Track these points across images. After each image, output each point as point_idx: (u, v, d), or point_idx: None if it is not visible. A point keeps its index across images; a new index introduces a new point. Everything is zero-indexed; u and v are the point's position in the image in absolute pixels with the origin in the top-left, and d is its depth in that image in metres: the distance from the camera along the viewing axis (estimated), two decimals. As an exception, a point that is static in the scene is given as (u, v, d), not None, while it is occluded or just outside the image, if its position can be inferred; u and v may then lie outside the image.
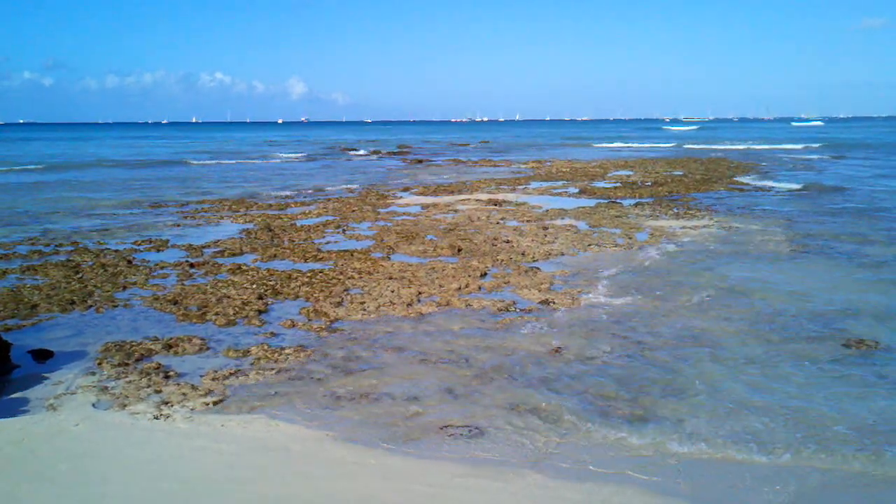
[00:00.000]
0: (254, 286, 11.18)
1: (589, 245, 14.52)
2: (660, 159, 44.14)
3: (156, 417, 6.42)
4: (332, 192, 26.42)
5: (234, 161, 47.71)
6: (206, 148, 68.51)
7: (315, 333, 8.88)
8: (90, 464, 5.54)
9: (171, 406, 6.69)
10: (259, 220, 18.71)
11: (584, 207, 20.59)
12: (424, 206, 21.31)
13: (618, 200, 22.35)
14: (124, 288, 11.27)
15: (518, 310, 9.85)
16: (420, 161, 46.41)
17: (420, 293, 10.66)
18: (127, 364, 7.79)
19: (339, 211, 20.45)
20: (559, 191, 25.85)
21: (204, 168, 41.48)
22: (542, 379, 7.29)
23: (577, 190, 25.86)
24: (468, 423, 6.29)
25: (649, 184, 27.80)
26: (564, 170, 36.25)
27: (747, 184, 27.57)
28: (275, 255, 13.78)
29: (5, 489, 5.17)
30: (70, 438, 5.99)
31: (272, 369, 7.62)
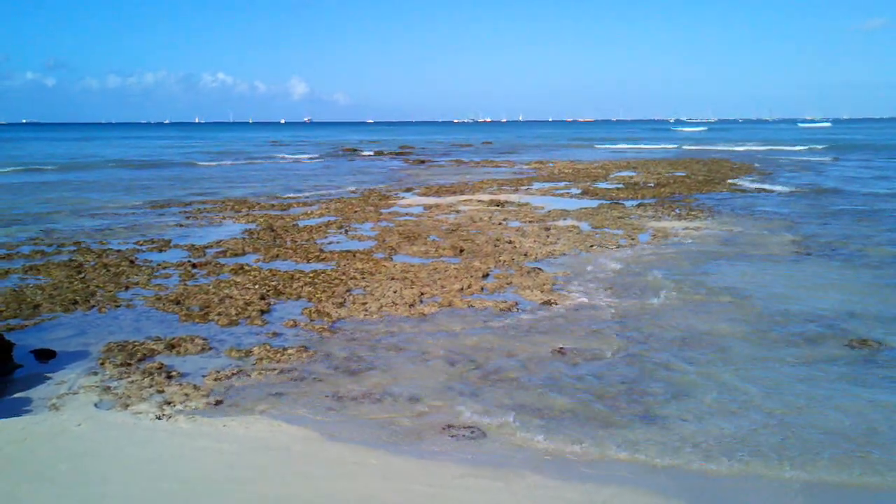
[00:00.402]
0: (256, 286, 11.19)
1: (591, 246, 14.51)
2: (662, 160, 44.12)
3: (158, 417, 6.43)
4: (334, 192, 26.43)
5: (241, 161, 47.73)
6: (212, 148, 68.57)
7: (317, 334, 8.88)
8: (92, 463, 5.55)
9: (174, 406, 6.69)
10: (261, 220, 18.72)
11: (586, 208, 20.59)
12: (427, 207, 21.31)
13: (620, 201, 22.34)
14: (127, 288, 11.28)
15: (520, 310, 9.84)
16: (422, 161, 46.42)
17: (422, 294, 10.66)
18: (129, 364, 7.80)
19: (342, 211, 20.46)
20: (561, 192, 25.84)
21: (210, 169, 41.50)
22: (545, 380, 7.28)
23: (579, 191, 25.85)
24: (470, 423, 6.28)
25: (652, 185, 27.78)
26: (567, 170, 36.24)
27: (748, 186, 27.51)
28: (277, 256, 13.79)
29: (7, 489, 5.18)
30: (72, 438, 5.99)
31: (274, 369, 7.63)
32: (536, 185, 28.38)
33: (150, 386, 7.16)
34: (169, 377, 7.41)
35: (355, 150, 63.64)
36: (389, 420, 6.38)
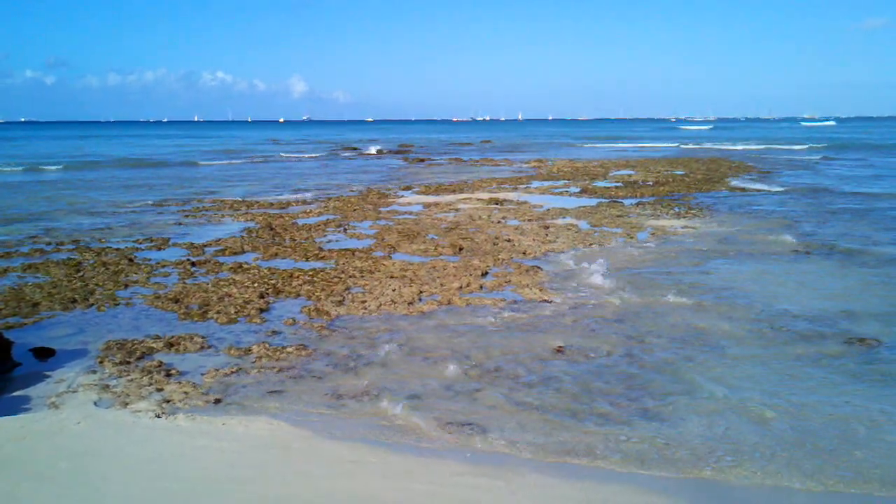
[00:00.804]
0: (255, 285, 11.19)
1: (590, 244, 14.52)
2: (661, 159, 44.13)
3: (157, 416, 6.43)
4: (333, 190, 26.41)
5: (240, 160, 47.66)
6: (211, 147, 68.47)
7: (316, 332, 8.89)
8: (91, 462, 5.55)
9: (173, 404, 6.69)
10: (260, 218, 18.72)
11: (585, 207, 20.59)
12: (426, 205, 21.31)
13: (619, 200, 22.35)
14: (126, 286, 11.28)
15: (519, 309, 9.84)
16: (421, 160, 46.41)
17: (421, 292, 10.67)
18: (128, 362, 7.80)
19: (341, 210, 20.46)
20: (560, 190, 25.84)
21: (209, 168, 41.46)
22: (544, 378, 7.29)
23: (578, 189, 25.86)
24: (469, 421, 6.29)
25: (650, 183, 27.80)
26: (566, 169, 36.24)
27: (746, 185, 27.53)
28: (276, 254, 13.79)
29: (6, 488, 5.18)
30: (71, 437, 5.99)
31: (273, 368, 7.63)
32: (535, 184, 28.39)
33: (150, 384, 7.16)
34: (168, 375, 7.41)
35: (354, 149, 63.62)
36: (388, 418, 6.38)
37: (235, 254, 13.93)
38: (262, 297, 10.48)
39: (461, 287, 10.95)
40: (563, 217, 18.55)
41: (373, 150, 60.07)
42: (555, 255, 13.45)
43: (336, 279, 11.57)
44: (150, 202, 22.89)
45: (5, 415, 6.42)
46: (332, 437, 6.03)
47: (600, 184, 28.00)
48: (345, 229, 16.92)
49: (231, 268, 12.51)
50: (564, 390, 6.96)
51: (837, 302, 10.00)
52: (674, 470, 5.45)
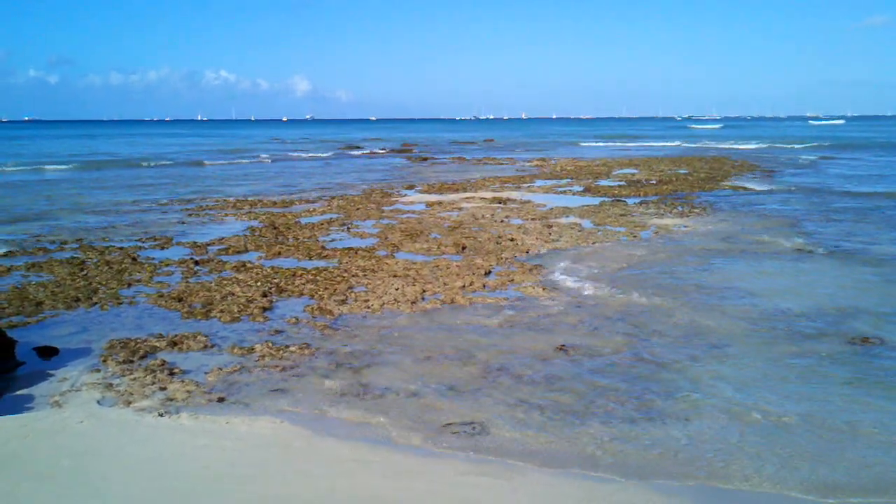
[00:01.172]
0: (258, 284, 11.20)
1: (593, 243, 14.51)
2: (664, 158, 44.08)
3: (160, 414, 6.43)
4: (336, 189, 26.42)
5: (243, 159, 47.67)
6: (214, 146, 68.50)
7: (319, 331, 8.89)
8: (94, 461, 5.55)
9: (176, 403, 6.70)
10: (263, 217, 18.74)
11: (588, 205, 20.58)
12: (429, 204, 21.31)
13: (622, 199, 22.32)
14: (129, 285, 11.29)
15: (522, 307, 9.84)
16: (424, 159, 46.42)
17: (424, 291, 10.67)
18: (132, 361, 7.81)
19: (344, 209, 20.47)
20: (563, 189, 25.82)
21: (212, 166, 41.48)
22: (547, 377, 7.28)
23: (581, 188, 25.84)
24: (471, 420, 6.29)
25: (654, 182, 27.77)
26: (569, 168, 36.22)
27: (750, 184, 27.49)
28: (279, 253, 13.80)
29: (9, 486, 5.19)
30: (74, 435, 6.00)
31: (276, 366, 7.64)
32: (538, 183, 28.37)
33: (153, 383, 7.17)
34: (171, 374, 7.42)
35: (357, 148, 63.65)
36: (391, 417, 6.38)
37: (239, 253, 13.95)
38: (265, 295, 10.49)
39: (464, 286, 10.95)
40: (567, 216, 18.53)
41: (376, 148, 60.10)
42: (558, 254, 13.44)
43: (339, 278, 11.58)
44: (153, 201, 22.93)
45: (8, 413, 6.43)
46: (334, 436, 6.03)
47: (603, 182, 27.98)
48: (348, 228, 16.93)
49: (234, 267, 12.52)
50: (567, 389, 6.96)
51: (840, 301, 9.97)
52: (677, 470, 5.44)
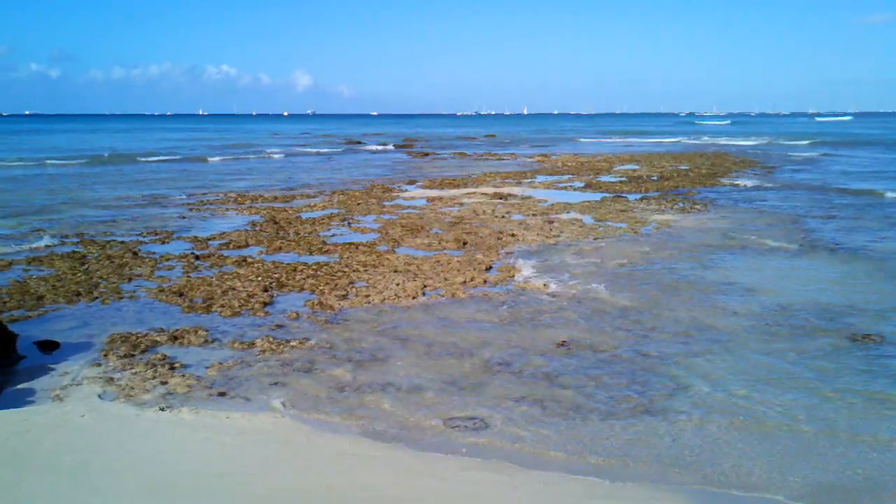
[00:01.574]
0: (259, 278, 11.20)
1: (595, 239, 14.50)
2: (665, 154, 44.02)
3: (161, 409, 6.44)
4: (337, 184, 26.40)
5: (244, 154, 47.58)
6: (215, 141, 68.38)
7: (320, 326, 8.89)
8: (95, 455, 5.56)
9: (177, 397, 6.71)
10: (264, 212, 18.73)
11: (589, 201, 20.56)
12: (430, 200, 21.30)
13: (623, 195, 22.31)
14: (130, 279, 11.30)
15: (523, 303, 9.83)
16: (425, 154, 46.38)
17: (425, 286, 10.67)
18: (132, 355, 7.82)
19: (345, 204, 20.46)
20: (565, 185, 25.81)
21: (213, 161, 41.40)
22: (547, 372, 7.28)
23: (582, 184, 25.82)
24: (472, 415, 6.29)
25: (655, 178, 27.75)
26: (570, 164, 36.20)
27: (750, 181, 27.45)
28: (280, 248, 13.80)
29: (11, 479, 5.20)
30: (75, 429, 6.01)
31: (277, 361, 7.64)
32: (539, 179, 28.35)
33: (154, 377, 7.18)
34: (172, 368, 7.43)
35: (359, 143, 63.60)
36: (392, 412, 6.38)
37: (240, 247, 13.95)
38: (265, 290, 10.49)
39: (465, 281, 10.95)
40: (568, 212, 18.52)
41: (377, 144, 60.05)
42: (559, 250, 13.43)
43: (340, 273, 11.58)
44: (154, 196, 22.92)
45: (10, 407, 6.44)
46: (334, 431, 6.04)
47: (604, 178, 27.97)
48: (349, 223, 16.92)
49: (235, 261, 12.53)
50: (568, 385, 6.96)
51: (841, 298, 9.97)
52: (677, 467, 5.45)
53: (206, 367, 7.49)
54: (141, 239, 14.91)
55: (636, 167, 33.45)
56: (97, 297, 10.24)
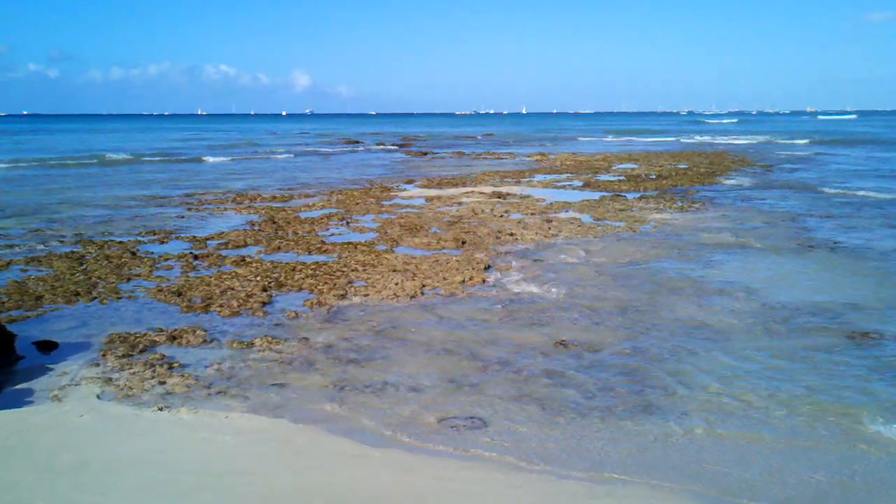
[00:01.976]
0: (258, 278, 11.20)
1: (593, 238, 14.50)
2: (664, 153, 44.04)
3: (160, 409, 6.43)
4: (335, 184, 26.39)
5: (243, 154, 47.55)
6: (214, 141, 68.32)
7: (319, 325, 8.89)
8: (93, 455, 5.56)
9: (175, 397, 6.70)
10: (263, 212, 18.72)
11: (588, 200, 20.56)
12: (428, 199, 21.30)
13: (622, 193, 22.31)
14: (128, 279, 11.29)
15: (521, 302, 9.83)
16: (424, 153, 46.36)
17: (424, 285, 10.66)
18: (131, 355, 7.81)
19: (343, 203, 20.45)
20: (563, 184, 25.81)
21: (212, 161, 41.36)
22: (546, 371, 7.28)
23: (580, 183, 25.83)
24: (471, 414, 6.29)
25: (654, 177, 27.77)
26: (568, 163, 36.21)
27: (748, 180, 27.46)
28: (279, 248, 13.79)
29: (9, 479, 5.19)
30: (74, 429, 6.00)
31: (276, 361, 7.63)
32: (538, 178, 28.36)
33: (152, 377, 7.17)
34: (171, 368, 7.42)
35: (357, 142, 63.57)
36: (391, 411, 6.38)
37: (238, 247, 13.94)
38: (264, 290, 10.48)
39: (464, 281, 10.94)
40: (566, 211, 18.53)
41: (375, 143, 60.01)
42: (557, 249, 13.43)
43: (338, 273, 11.57)
44: (152, 195, 22.90)
45: (8, 408, 6.43)
46: (333, 431, 6.03)
47: (603, 177, 27.98)
48: (347, 223, 16.92)
49: (234, 261, 12.52)
50: (567, 384, 6.96)
51: (840, 296, 9.97)
52: (677, 467, 5.45)
53: (205, 367, 7.48)
54: (139, 239, 14.89)
55: (635, 166, 33.46)
56: (95, 297, 10.23)
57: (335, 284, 10.79)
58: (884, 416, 6.16)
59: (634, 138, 70.07)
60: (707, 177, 27.59)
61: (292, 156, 45.94)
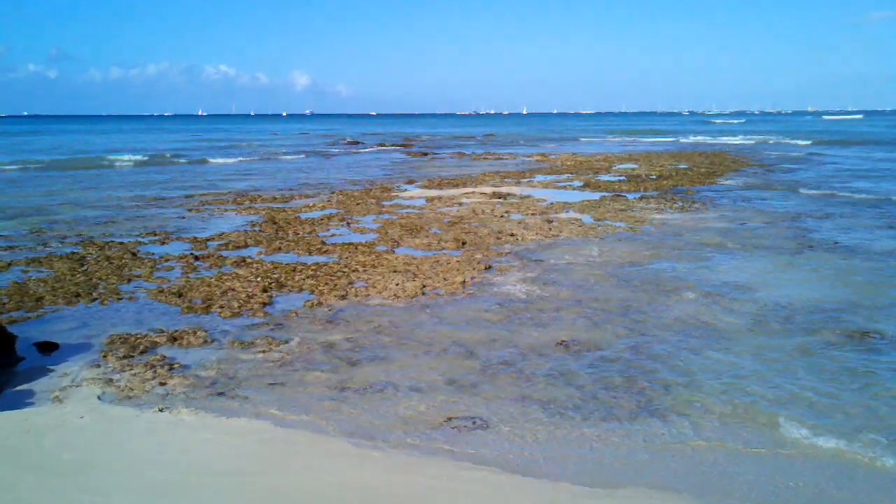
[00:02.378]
0: (258, 279, 11.20)
1: (594, 238, 14.50)
2: (664, 153, 44.03)
3: (161, 410, 6.44)
4: (336, 184, 26.40)
5: (243, 154, 47.55)
6: (215, 142, 68.34)
7: (319, 326, 8.89)
8: (94, 456, 5.56)
9: (176, 398, 6.70)
10: (263, 212, 18.72)
11: (588, 201, 20.56)
12: (429, 199, 21.30)
13: (622, 194, 22.31)
14: (129, 280, 11.29)
15: (522, 302, 9.83)
16: (424, 154, 46.36)
17: (424, 286, 10.66)
18: (132, 356, 7.81)
19: (344, 204, 20.46)
20: (563, 184, 25.81)
21: (213, 162, 41.36)
22: (547, 372, 7.28)
23: (581, 183, 25.82)
24: (472, 415, 6.29)
25: (654, 177, 27.76)
26: (569, 163, 36.20)
27: (747, 180, 27.45)
28: (279, 248, 13.79)
29: (10, 480, 5.20)
30: (75, 430, 6.01)
31: (276, 361, 7.64)
32: (538, 178, 28.36)
33: (153, 378, 7.17)
34: (171, 369, 7.43)
35: (357, 143, 63.58)
36: (392, 412, 6.38)
37: (239, 248, 13.94)
38: (265, 291, 10.49)
39: (464, 281, 10.94)
40: (567, 211, 18.53)
41: (376, 144, 60.02)
42: (558, 249, 13.43)
43: (339, 273, 11.58)
44: (153, 196, 22.91)
45: (9, 409, 6.44)
46: (334, 431, 6.03)
47: (604, 178, 27.97)
48: (348, 223, 16.92)
49: (234, 262, 12.52)
50: (568, 384, 6.96)
51: (841, 295, 9.97)
52: (678, 469, 5.45)
53: (206, 368, 7.48)
54: (140, 240, 14.89)
55: (635, 166, 33.46)
56: (96, 298, 10.23)
57: (336, 285, 10.80)
58: (884, 416, 6.16)
59: (635, 138, 70.10)
60: (707, 177, 27.59)
61: (293, 156, 45.96)
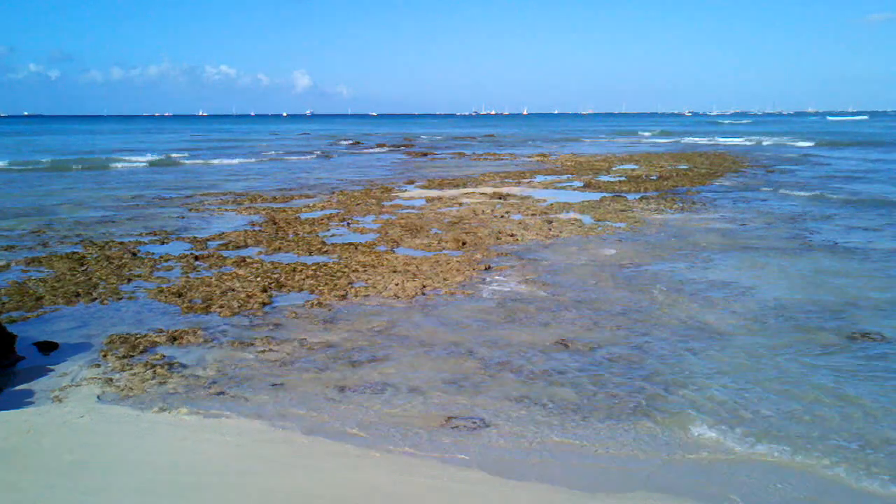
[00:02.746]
0: (258, 279, 11.20)
1: (594, 238, 14.50)
2: (664, 153, 44.04)
3: (160, 409, 6.44)
4: (336, 184, 26.40)
5: (244, 155, 47.57)
6: (220, 143, 68.34)
7: (319, 326, 8.89)
8: (94, 455, 5.56)
9: (176, 398, 6.70)
10: (264, 212, 18.73)
11: (588, 201, 20.56)
12: (429, 200, 21.30)
13: (623, 194, 22.31)
14: (129, 280, 11.29)
15: (522, 302, 9.83)
16: (425, 154, 46.37)
17: (424, 286, 10.67)
18: (131, 356, 7.81)
19: (344, 204, 20.46)
20: (564, 185, 25.82)
21: (213, 163, 41.37)
22: (547, 372, 7.28)
23: (581, 184, 25.83)
24: (472, 415, 6.29)
25: (654, 178, 27.76)
26: (569, 163, 36.20)
27: (747, 181, 27.44)
28: (279, 248, 13.80)
29: (10, 480, 5.20)
30: (75, 430, 6.01)
31: (276, 361, 7.64)
32: (539, 178, 28.36)
33: (153, 378, 7.18)
34: (171, 369, 7.43)
35: (358, 143, 63.59)
36: (392, 412, 6.38)
37: (239, 248, 13.94)
38: (264, 290, 10.49)
39: (464, 281, 10.95)
40: (567, 212, 18.53)
41: (376, 144, 60.03)
42: (558, 249, 13.44)
43: (339, 273, 11.58)
44: (153, 196, 22.91)
45: (9, 408, 6.44)
46: (333, 431, 6.03)
47: (604, 178, 27.98)
48: (348, 224, 16.92)
49: (234, 262, 12.52)
50: (568, 384, 6.96)
51: (841, 296, 9.97)
52: (679, 467, 5.45)
53: (205, 368, 7.48)
54: (140, 239, 14.90)
55: (635, 167, 33.47)
56: (96, 298, 10.23)
57: (335, 285, 10.80)
58: (884, 415, 6.16)
59: (635, 139, 70.09)
60: (708, 177, 27.60)
61: (293, 157, 45.95)
